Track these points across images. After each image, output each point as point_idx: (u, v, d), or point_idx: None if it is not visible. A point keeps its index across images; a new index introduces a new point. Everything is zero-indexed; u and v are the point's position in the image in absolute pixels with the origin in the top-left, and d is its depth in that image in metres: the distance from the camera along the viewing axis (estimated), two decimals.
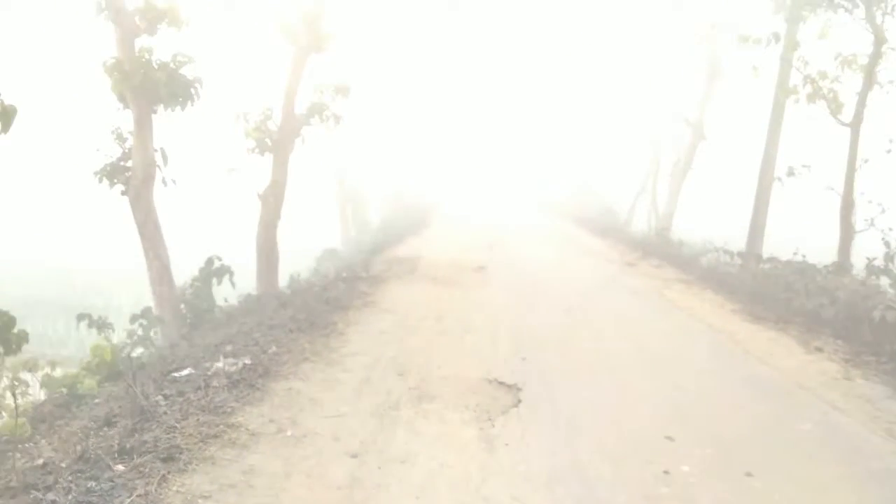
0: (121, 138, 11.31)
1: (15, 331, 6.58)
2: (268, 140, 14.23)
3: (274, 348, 7.27)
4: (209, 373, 6.52)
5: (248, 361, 6.75)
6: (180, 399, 5.86)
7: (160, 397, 5.94)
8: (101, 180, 11.05)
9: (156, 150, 11.38)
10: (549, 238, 21.37)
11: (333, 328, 8.31)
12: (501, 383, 6.42)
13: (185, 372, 6.66)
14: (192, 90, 11.49)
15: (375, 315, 9.25)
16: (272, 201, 14.22)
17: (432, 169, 48.24)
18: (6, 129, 6.13)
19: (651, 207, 24.17)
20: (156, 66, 11.12)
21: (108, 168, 11.03)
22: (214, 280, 11.64)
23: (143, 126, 11.17)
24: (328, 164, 26.78)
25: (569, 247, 18.97)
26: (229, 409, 5.53)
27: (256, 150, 14.24)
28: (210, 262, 11.62)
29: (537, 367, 6.96)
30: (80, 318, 10.59)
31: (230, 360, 6.86)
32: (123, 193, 11.18)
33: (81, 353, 12.36)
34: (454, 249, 17.33)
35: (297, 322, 8.50)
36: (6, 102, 6.08)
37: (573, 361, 7.31)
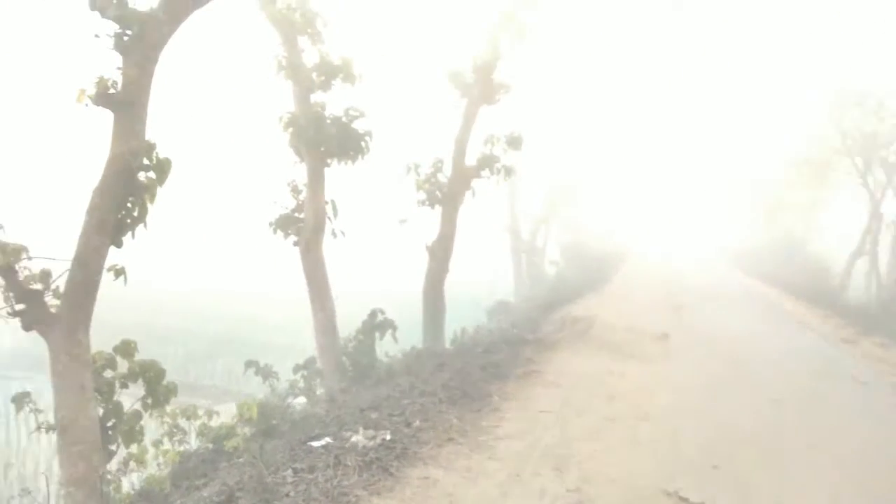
0: (296, 190, 11.50)
1: (165, 383, 6.54)
2: (438, 192, 13.99)
3: (418, 422, 6.54)
4: (346, 445, 5.93)
5: (387, 437, 6.07)
6: (309, 477, 5.29)
7: (290, 471, 5.44)
8: (275, 231, 11.26)
9: (326, 203, 11.43)
10: (743, 300, 19.00)
11: (488, 402, 7.44)
12: (684, 500, 5.10)
13: (322, 442, 6.12)
14: (363, 143, 11.46)
15: (537, 388, 8.25)
16: (440, 254, 13.85)
17: (613, 218, 46.47)
18: (162, 181, 6.16)
19: (871, 271, 20.77)
20: (329, 121, 11.23)
21: (282, 219, 11.23)
22: (377, 334, 11.34)
23: (316, 179, 11.26)
24: (500, 215, 26.40)
25: (769, 314, 16.59)
26: (353, 499, 4.83)
27: (427, 203, 14.03)
28: (373, 315, 11.35)
29: (734, 481, 5.51)
30: (248, 365, 10.71)
31: (370, 431, 6.24)
32: (295, 244, 11.31)
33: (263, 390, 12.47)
34: (634, 310, 15.85)
35: (449, 390, 7.75)
36: (162, 156, 6.15)
37: (786, 482, 5.63)
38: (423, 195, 14.11)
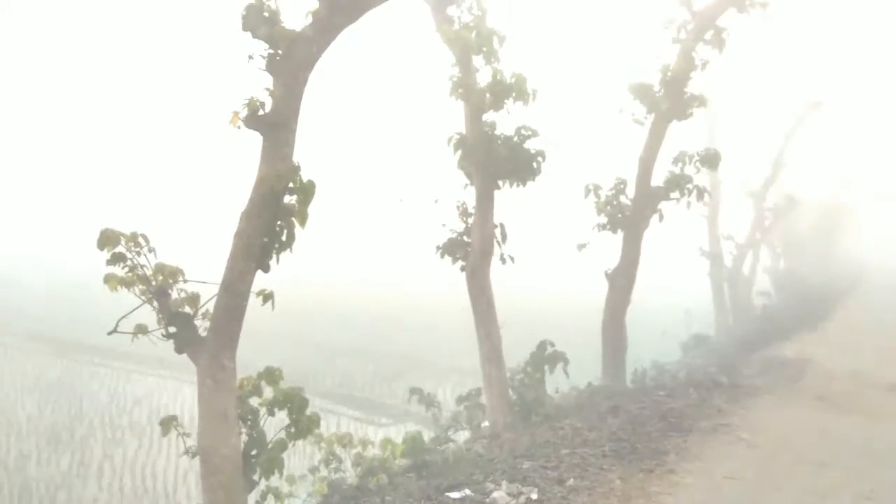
0: (465, 213, 11.13)
1: (308, 413, 6.32)
2: (619, 215, 12.91)
3: (572, 480, 5.67)
4: (485, 501, 5.25)
5: (533, 496, 5.29)
6: None
7: None
8: (442, 255, 10.96)
9: (495, 226, 10.92)
10: None
11: (661, 461, 6.33)
12: None
13: (460, 494, 5.50)
14: (535, 164, 10.82)
15: (725, 446, 6.93)
16: (621, 283, 12.71)
17: (843, 238, 41.05)
18: (306, 205, 5.98)
19: None
20: (499, 141, 10.75)
21: (450, 243, 10.90)
22: (546, 367, 10.53)
23: (485, 201, 10.79)
24: (699, 240, 24.16)
25: None
26: None
27: (607, 227, 13.00)
28: (542, 346, 10.55)
29: None
30: (412, 392, 10.44)
31: (515, 486, 5.50)
32: (462, 269, 10.92)
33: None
34: (860, 354, 13.34)
35: (616, 442, 6.76)
36: (306, 179, 5.97)
37: None
38: (603, 218, 13.14)
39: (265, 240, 5.87)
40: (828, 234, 38.18)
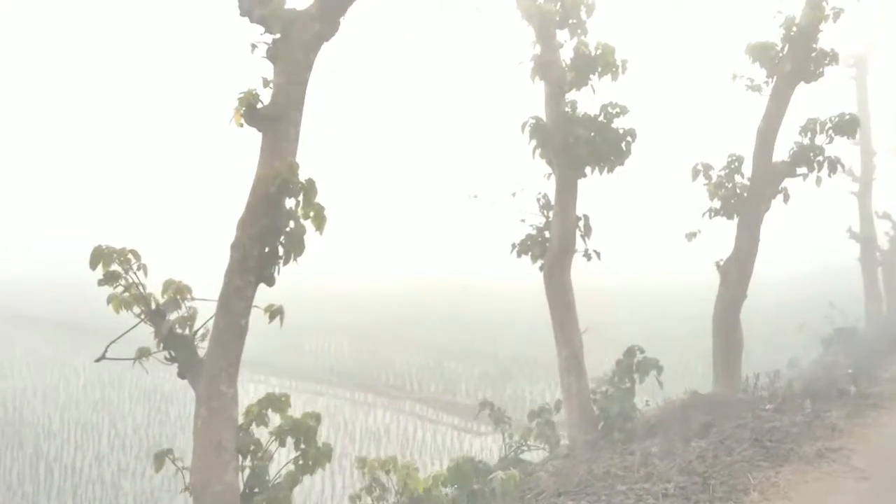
0: (548, 206, 9.98)
1: (319, 444, 5.60)
2: (734, 199, 11.22)
3: None
4: None
5: None
6: None
7: None
8: (519, 254, 9.88)
9: (578, 219, 9.71)
10: None
11: (740, 500, 5.01)
12: None
13: None
14: (623, 145, 9.48)
15: (830, 479, 5.44)
16: (735, 275, 11.04)
17: None
18: (308, 207, 5.22)
19: None
20: (583, 123, 9.49)
21: (527, 240, 9.81)
22: (636, 376, 9.21)
23: (566, 191, 9.60)
24: (852, 219, 21.12)
25: None
26: None
27: (721, 213, 11.35)
28: (630, 353, 9.23)
29: None
30: (483, 406, 9.52)
31: None
32: (541, 269, 9.81)
33: None
34: None
35: (687, 475, 5.50)
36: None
37: None
38: (717, 202, 11.47)
39: (265, 250, 5.21)
40: None
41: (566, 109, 9.51)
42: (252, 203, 5.18)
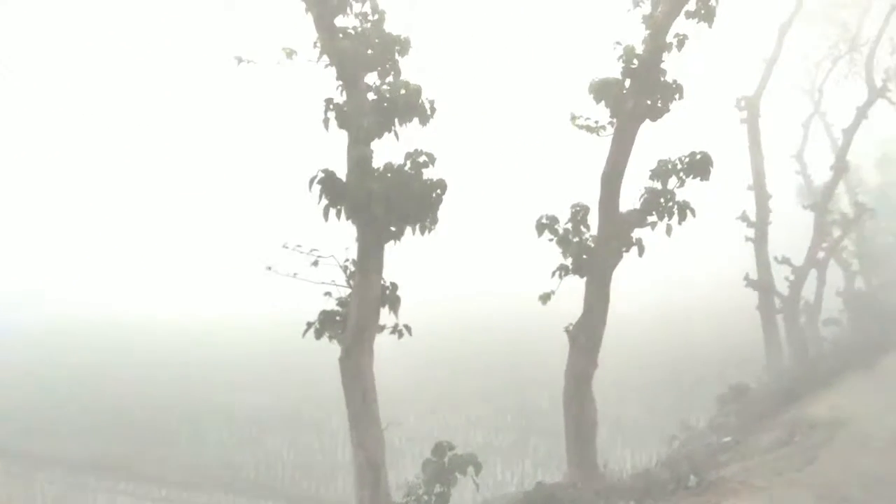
0: (352, 276, 8.35)
1: None
2: (584, 255, 9.90)
3: None
4: None
5: None
6: None
7: None
8: (317, 335, 8.09)
9: (386, 288, 8.14)
10: None
11: None
12: None
13: None
14: (433, 198, 8.04)
15: None
16: (585, 341, 9.65)
17: None
18: None
19: None
20: (385, 173, 8.02)
21: (323, 317, 8.10)
22: (454, 477, 7.52)
23: (368, 257, 8.05)
24: (746, 265, 20.28)
25: None
26: None
27: (569, 270, 9.99)
28: (440, 450, 7.56)
29: None
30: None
31: None
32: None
33: None
34: None
35: None
36: None
37: None
38: (568, 258, 10.12)
39: None
40: None
41: (363, 159, 8.04)
42: None
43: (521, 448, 17.38)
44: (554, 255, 10.16)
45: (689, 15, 9.69)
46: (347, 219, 8.13)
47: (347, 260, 8.38)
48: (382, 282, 8.20)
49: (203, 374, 25.32)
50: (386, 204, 7.78)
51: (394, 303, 8.05)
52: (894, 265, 31.12)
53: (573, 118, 9.95)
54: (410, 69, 8.80)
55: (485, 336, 30.77)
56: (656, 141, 10.71)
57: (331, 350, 8.07)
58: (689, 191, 9.98)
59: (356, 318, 7.82)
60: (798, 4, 20.15)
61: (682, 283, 43.16)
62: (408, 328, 8.08)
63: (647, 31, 9.60)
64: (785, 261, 21.04)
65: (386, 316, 8.31)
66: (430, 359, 25.51)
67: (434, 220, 8.16)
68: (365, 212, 7.83)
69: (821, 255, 21.92)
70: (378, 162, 8.09)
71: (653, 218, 9.69)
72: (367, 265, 8.03)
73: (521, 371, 23.16)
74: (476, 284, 49.28)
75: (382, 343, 8.20)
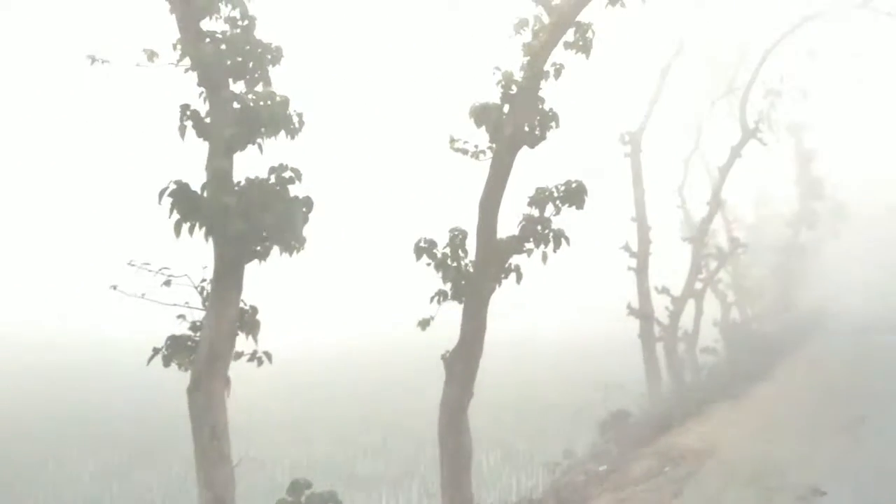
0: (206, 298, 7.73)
1: None
2: (463, 281, 9.71)
3: None
4: None
5: None
6: None
7: None
8: (165, 363, 7.41)
9: (244, 311, 7.58)
10: None
11: None
12: None
13: None
14: (301, 216, 7.59)
15: None
16: (461, 370, 9.39)
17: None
18: None
19: None
20: (244, 188, 7.51)
21: (172, 342, 7.45)
22: None
23: (226, 277, 7.46)
24: (629, 294, 20.92)
25: None
26: None
27: (447, 296, 9.75)
28: (296, 488, 7.07)
29: None
30: None
31: None
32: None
33: None
34: (780, 431, 10.08)
35: None
36: None
37: None
38: (448, 284, 9.88)
39: None
40: (787, 277, 35.30)
41: (220, 173, 7.50)
42: None
43: (409, 478, 16.90)
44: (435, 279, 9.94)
45: (567, 46, 9.85)
46: (206, 236, 7.56)
47: (204, 280, 7.77)
48: (242, 304, 7.64)
49: None
50: (244, 220, 7.26)
51: (252, 327, 7.51)
52: (767, 297, 33.24)
53: (452, 141, 9.82)
54: (284, 80, 8.42)
55: (372, 361, 30.28)
56: (546, 170, 10.79)
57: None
58: (576, 220, 10.06)
59: (209, 344, 7.21)
60: (678, 47, 21.30)
61: (572, 309, 44.36)
62: (268, 355, 7.54)
63: (526, 59, 9.64)
64: (664, 290, 21.92)
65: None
66: (313, 386, 24.72)
67: (300, 240, 7.71)
68: (221, 228, 7.27)
69: (698, 286, 23.02)
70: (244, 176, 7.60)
71: (530, 245, 9.62)
72: (223, 286, 7.44)
73: (410, 398, 22.75)
74: (359, 309, 48.68)
75: (263, 372, 7.66)
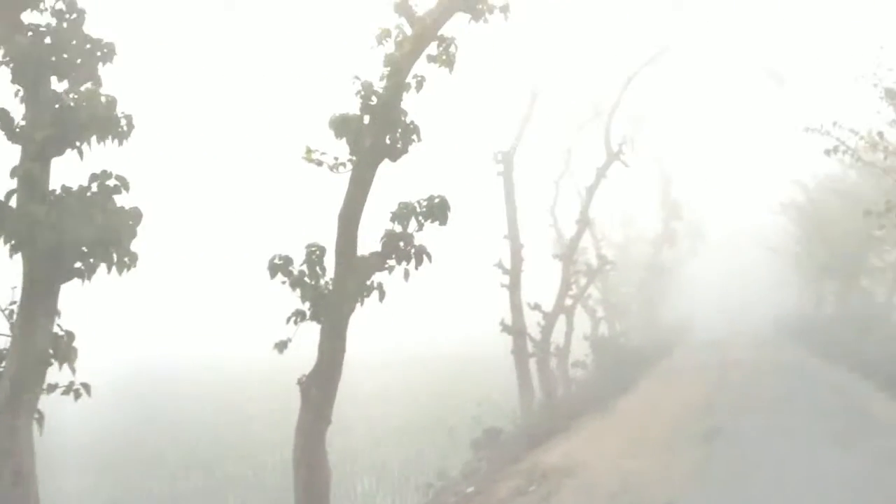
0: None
1: None
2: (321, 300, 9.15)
3: None
4: None
5: None
6: None
7: None
8: None
9: (60, 337, 6.64)
10: (815, 409, 13.01)
11: None
12: None
13: None
14: (126, 232, 6.77)
15: None
16: (317, 394, 8.80)
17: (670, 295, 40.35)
18: None
19: None
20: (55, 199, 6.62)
21: None
22: None
23: (36, 297, 6.51)
24: (501, 311, 21.01)
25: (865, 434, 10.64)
26: None
27: (305, 316, 9.15)
28: None
29: None
30: None
31: None
32: None
33: None
34: (642, 445, 10.32)
35: None
36: None
37: None
38: (306, 303, 9.28)
39: None
40: (651, 293, 37.21)
41: (28, 186, 6.57)
42: None
43: None
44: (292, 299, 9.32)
45: (430, 59, 9.65)
46: (12, 252, 6.60)
47: (14, 303, 6.77)
48: (57, 329, 6.71)
49: None
50: (58, 234, 6.38)
51: (68, 355, 6.59)
52: (634, 313, 34.81)
53: (308, 152, 9.29)
54: (119, 79, 7.63)
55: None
56: (419, 188, 10.45)
57: None
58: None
59: (13, 375, 6.25)
60: (538, 83, 21.87)
61: (444, 327, 44.48)
62: (86, 387, 6.65)
63: (387, 69, 9.33)
64: (536, 307, 22.24)
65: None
66: (175, 413, 23.01)
67: (131, 256, 6.89)
68: (30, 242, 6.36)
69: (569, 302, 23.59)
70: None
71: (392, 262, 9.25)
72: (33, 309, 6.50)
73: (284, 425, 21.66)
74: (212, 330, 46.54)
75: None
